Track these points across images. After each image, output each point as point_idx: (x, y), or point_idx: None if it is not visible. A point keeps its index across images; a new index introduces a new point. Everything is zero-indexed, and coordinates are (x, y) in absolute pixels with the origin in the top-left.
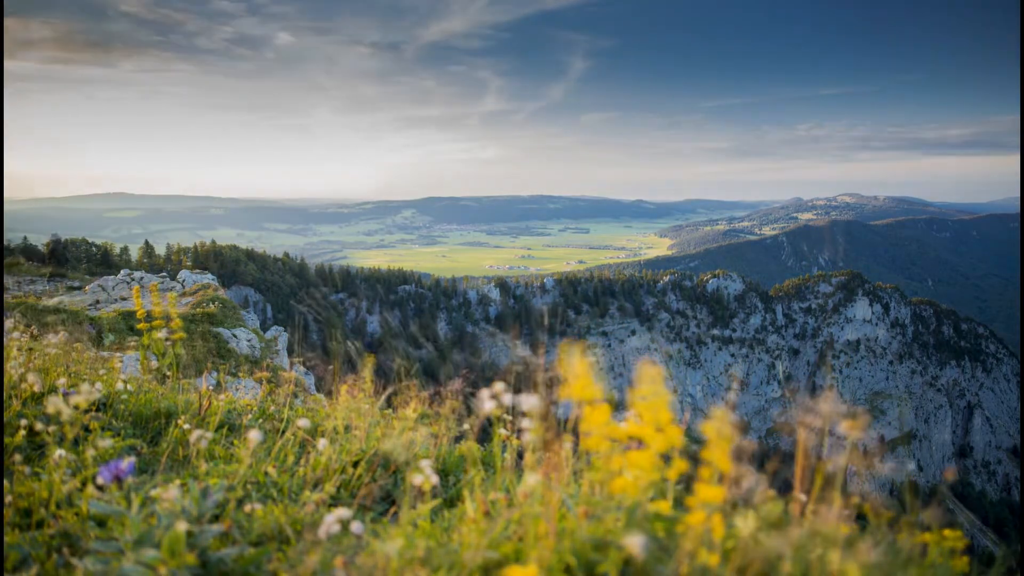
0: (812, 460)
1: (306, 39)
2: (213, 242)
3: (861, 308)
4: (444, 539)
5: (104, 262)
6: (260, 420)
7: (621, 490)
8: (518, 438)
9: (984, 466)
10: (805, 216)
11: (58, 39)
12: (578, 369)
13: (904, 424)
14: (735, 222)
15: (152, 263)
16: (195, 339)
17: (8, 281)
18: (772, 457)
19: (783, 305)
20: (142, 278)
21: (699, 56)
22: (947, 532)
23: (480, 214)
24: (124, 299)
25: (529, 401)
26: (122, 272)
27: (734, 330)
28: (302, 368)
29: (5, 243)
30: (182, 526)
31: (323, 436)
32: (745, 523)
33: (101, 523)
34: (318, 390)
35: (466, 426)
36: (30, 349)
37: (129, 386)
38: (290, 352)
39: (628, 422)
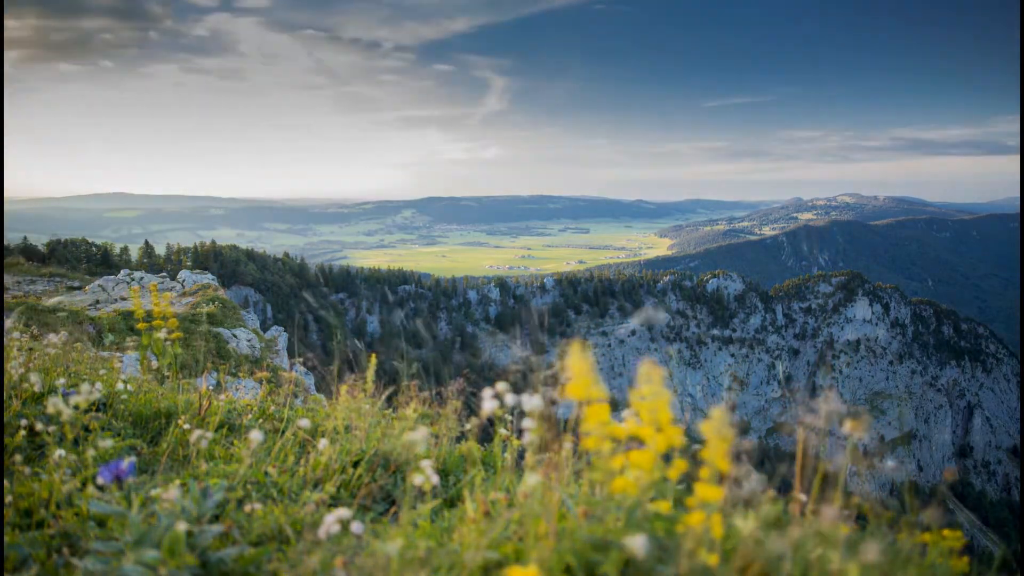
0: (812, 460)
1: (308, 38)
2: (213, 242)
3: (861, 308)
4: (444, 539)
5: (104, 262)
6: (260, 420)
7: (621, 490)
8: (518, 438)
9: (984, 466)
10: (805, 216)
11: (34, 37)
12: (579, 368)
13: (904, 424)
14: (735, 222)
15: (152, 263)
16: (195, 339)
17: (8, 281)
18: (772, 457)
19: (783, 305)
20: (142, 278)
21: (699, 56)
22: (947, 532)
23: (480, 214)
24: (124, 299)
25: (530, 401)
26: (122, 272)
27: (734, 330)
28: (302, 368)
29: (5, 243)
30: (182, 526)
31: (323, 436)
32: (745, 523)
33: (101, 523)
34: (318, 390)
35: (467, 426)
36: (30, 349)
37: (129, 386)
38: (290, 352)
39: (628, 422)
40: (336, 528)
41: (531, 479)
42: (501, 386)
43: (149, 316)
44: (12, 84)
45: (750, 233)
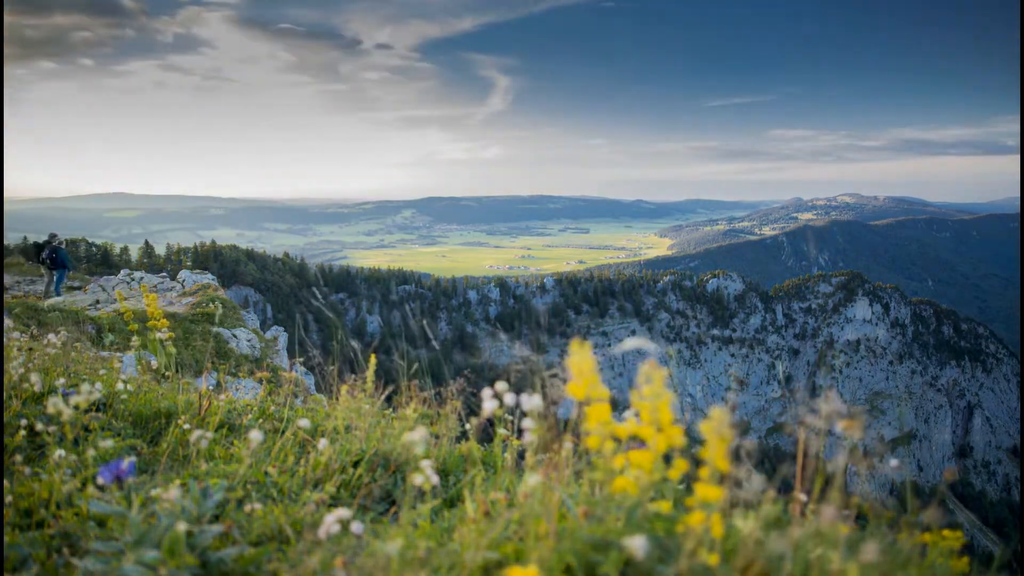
0: (812, 460)
1: (309, 38)
2: (213, 242)
3: (861, 308)
4: (444, 539)
5: (104, 262)
6: (260, 420)
7: (621, 490)
8: (519, 438)
9: (984, 466)
10: (805, 216)
11: (8, 35)
12: (580, 368)
13: (904, 424)
14: (735, 222)
15: (152, 263)
16: (195, 339)
17: (8, 281)
18: (772, 457)
19: (783, 305)
20: (142, 278)
21: (699, 56)
22: (947, 532)
23: (480, 214)
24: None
25: (529, 401)
26: (122, 272)
27: (734, 330)
28: (302, 368)
29: (5, 243)
30: (182, 526)
31: (323, 436)
32: (745, 523)
33: (101, 523)
34: (318, 390)
35: (467, 426)
36: (30, 349)
37: (129, 386)
38: (290, 352)
39: (629, 422)
40: (336, 528)
41: (531, 479)
42: (501, 386)
43: (144, 317)
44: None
45: (750, 233)
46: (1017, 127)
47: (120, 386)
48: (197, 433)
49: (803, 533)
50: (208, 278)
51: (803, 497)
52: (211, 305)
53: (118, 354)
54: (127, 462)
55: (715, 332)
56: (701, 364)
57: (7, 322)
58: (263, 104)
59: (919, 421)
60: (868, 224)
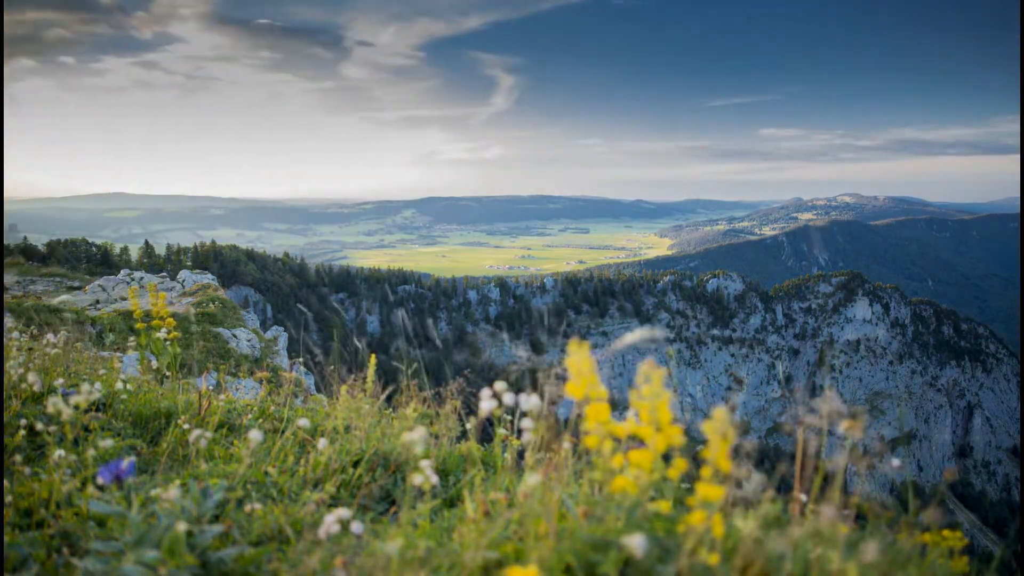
0: (812, 460)
1: (312, 37)
2: (213, 242)
3: (861, 308)
4: (444, 539)
5: (104, 262)
6: (260, 420)
7: (621, 490)
8: (518, 438)
9: (984, 466)
10: (805, 216)
11: None
12: (580, 367)
13: (904, 424)
14: (735, 222)
15: (152, 263)
16: (195, 339)
17: (8, 281)
18: (772, 457)
19: (783, 305)
20: (142, 278)
21: (702, 56)
22: (947, 532)
23: (480, 214)
24: (124, 299)
25: (529, 401)
26: (122, 272)
27: (734, 330)
28: (302, 368)
29: (5, 243)
30: (182, 526)
31: (323, 436)
32: (745, 523)
33: (101, 523)
34: (318, 390)
35: (467, 426)
36: (30, 349)
37: (129, 386)
38: (290, 352)
39: (628, 421)
40: (336, 528)
41: (531, 479)
42: (500, 386)
43: (148, 316)
44: None
45: (750, 233)
46: (1017, 127)
47: (120, 386)
48: (197, 433)
49: (803, 533)
50: (208, 278)
51: (803, 497)
52: (211, 305)
53: (118, 354)
54: (127, 462)
55: (715, 332)
56: (701, 364)
57: (7, 322)
58: (263, 103)
59: (919, 421)
60: (868, 224)
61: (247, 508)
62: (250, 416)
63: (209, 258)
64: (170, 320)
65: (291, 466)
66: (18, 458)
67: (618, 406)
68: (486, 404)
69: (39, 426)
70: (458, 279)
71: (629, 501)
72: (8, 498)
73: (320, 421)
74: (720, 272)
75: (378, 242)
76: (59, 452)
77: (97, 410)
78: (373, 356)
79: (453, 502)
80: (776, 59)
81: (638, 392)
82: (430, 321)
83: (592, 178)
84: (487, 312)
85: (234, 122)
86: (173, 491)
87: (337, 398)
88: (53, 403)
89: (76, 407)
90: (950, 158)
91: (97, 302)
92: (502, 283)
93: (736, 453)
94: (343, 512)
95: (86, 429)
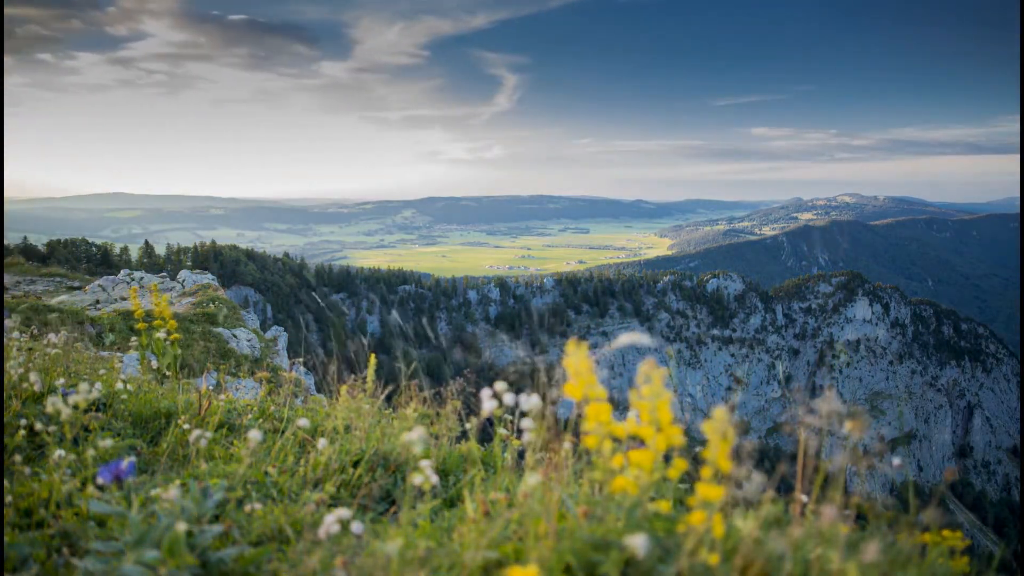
0: (812, 460)
1: (314, 37)
2: (213, 242)
3: (861, 308)
4: (444, 539)
5: (104, 262)
6: (260, 420)
7: (621, 490)
8: (518, 438)
9: (984, 466)
10: (805, 216)
11: None
12: (578, 368)
13: (904, 424)
14: (735, 222)
15: (152, 263)
16: (195, 339)
17: (8, 281)
18: (772, 457)
19: (783, 305)
20: (142, 278)
21: (700, 57)
22: (947, 532)
23: (480, 214)
24: (124, 299)
25: (529, 401)
26: (122, 272)
27: (734, 330)
28: (302, 368)
29: (5, 243)
30: (182, 526)
31: (323, 436)
32: (745, 523)
33: (101, 523)
34: (318, 390)
35: (467, 426)
36: (30, 349)
37: (129, 386)
38: (290, 352)
39: (628, 422)
40: (336, 528)
41: (531, 479)
42: (500, 386)
43: (149, 316)
44: None
45: (750, 233)
46: (1017, 127)
47: (120, 386)
48: (197, 433)
49: (803, 533)
50: (208, 278)
51: (803, 497)
52: (211, 305)
53: (118, 354)
54: (127, 462)
55: (715, 332)
56: (701, 364)
57: (7, 322)
58: (259, 103)
59: (919, 421)
60: (868, 224)
61: (247, 508)
62: (250, 416)
63: (209, 258)
64: (172, 322)
65: (291, 466)
66: (18, 458)
67: (618, 406)
68: (486, 404)
69: (39, 426)
70: (458, 279)
71: (629, 501)
72: (8, 498)
73: (320, 421)
74: (720, 272)
75: (378, 242)
76: (59, 452)
77: (97, 410)
78: (373, 356)
79: (453, 502)
80: (778, 59)
81: (638, 392)
82: (426, 320)
83: (592, 178)
84: (487, 312)
85: (232, 122)
86: (173, 491)
87: (337, 398)
88: (53, 403)
89: (76, 407)
90: (950, 158)
91: (97, 302)
92: (502, 283)
93: (736, 453)
94: (343, 512)
95: (86, 429)
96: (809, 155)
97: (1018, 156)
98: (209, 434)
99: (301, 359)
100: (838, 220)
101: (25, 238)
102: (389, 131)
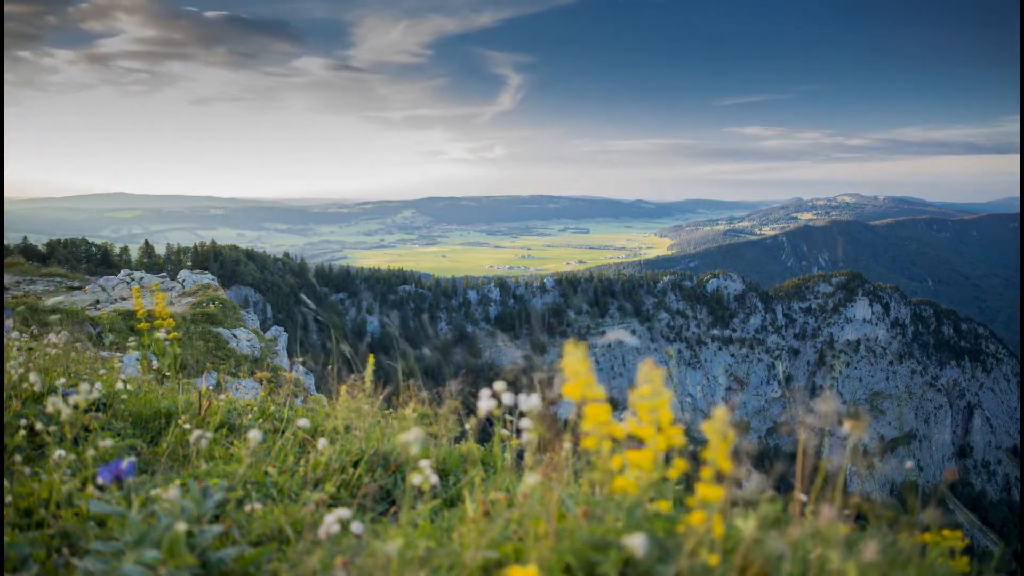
0: (812, 460)
1: (315, 37)
2: (213, 242)
3: (861, 308)
4: (444, 539)
5: (104, 262)
6: (260, 420)
7: (621, 490)
8: (518, 438)
9: (984, 466)
10: (805, 216)
11: None
12: (576, 368)
13: (904, 424)
14: (735, 222)
15: (152, 263)
16: (195, 339)
17: (8, 281)
18: (772, 457)
19: (783, 305)
20: (142, 278)
21: (701, 56)
22: (947, 532)
23: (480, 214)
24: (124, 299)
25: (528, 401)
26: (122, 272)
27: (734, 330)
28: (302, 368)
29: (5, 243)
30: (182, 526)
31: (323, 436)
32: (745, 523)
33: (101, 523)
34: (318, 390)
35: (466, 426)
36: (30, 349)
37: (129, 386)
38: (290, 352)
39: (628, 422)
40: (336, 528)
41: (531, 479)
42: (499, 385)
43: (151, 316)
44: None
45: (750, 233)
46: (1017, 127)
47: (120, 386)
48: (197, 433)
49: (802, 533)
50: (208, 278)
51: (803, 497)
52: (211, 305)
53: (118, 354)
54: (127, 462)
55: (715, 332)
56: (701, 364)
57: (7, 322)
58: (264, 103)
59: (919, 421)
60: (868, 224)
61: (247, 508)
62: (250, 416)
63: (209, 258)
64: (171, 321)
65: (291, 466)
66: (18, 458)
67: (618, 406)
68: (485, 404)
69: (39, 426)
70: (458, 279)
71: (629, 501)
72: (8, 498)
73: (320, 421)
74: (720, 272)
75: (378, 242)
76: (59, 452)
77: (97, 410)
78: (372, 356)
79: (453, 502)
80: (778, 59)
81: (638, 392)
82: (426, 320)
83: (592, 178)
84: (487, 312)
85: (231, 122)
86: (173, 491)
87: (337, 398)
88: (53, 403)
89: (76, 407)
90: (950, 158)
91: (97, 302)
92: (502, 283)
93: (736, 453)
94: (343, 512)
95: (86, 429)
96: (809, 155)
97: (1018, 156)
98: (209, 434)
99: (301, 359)
100: (838, 220)
101: (25, 238)
102: (390, 131)
